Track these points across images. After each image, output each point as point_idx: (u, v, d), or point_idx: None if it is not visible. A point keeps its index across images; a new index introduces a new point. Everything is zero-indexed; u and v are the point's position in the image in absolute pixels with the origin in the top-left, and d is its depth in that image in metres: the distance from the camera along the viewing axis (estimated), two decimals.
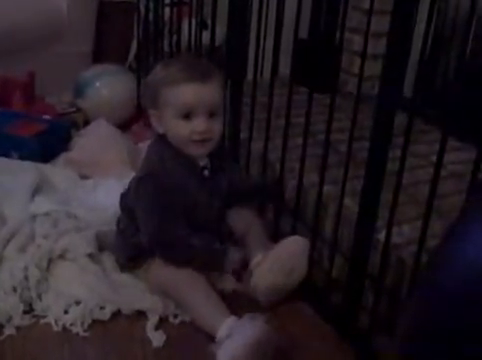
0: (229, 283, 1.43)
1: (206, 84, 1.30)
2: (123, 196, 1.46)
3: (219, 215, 1.46)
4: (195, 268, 1.34)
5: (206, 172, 1.40)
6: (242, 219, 1.52)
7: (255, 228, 1.50)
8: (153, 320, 1.33)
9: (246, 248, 1.46)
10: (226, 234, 1.47)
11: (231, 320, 1.24)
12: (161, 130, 1.35)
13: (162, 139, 1.36)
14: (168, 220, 1.33)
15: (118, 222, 1.48)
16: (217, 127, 1.34)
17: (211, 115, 1.31)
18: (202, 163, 1.39)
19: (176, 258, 1.35)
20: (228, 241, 1.45)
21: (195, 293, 1.32)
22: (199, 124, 1.30)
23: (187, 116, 1.30)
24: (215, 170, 1.42)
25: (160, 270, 1.36)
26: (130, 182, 1.42)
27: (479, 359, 0.58)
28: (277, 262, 1.37)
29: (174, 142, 1.34)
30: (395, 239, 1.25)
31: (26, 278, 1.37)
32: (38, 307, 1.34)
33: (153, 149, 1.39)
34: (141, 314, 1.35)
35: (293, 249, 1.40)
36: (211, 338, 1.25)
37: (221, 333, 1.22)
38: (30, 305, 1.34)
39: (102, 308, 1.34)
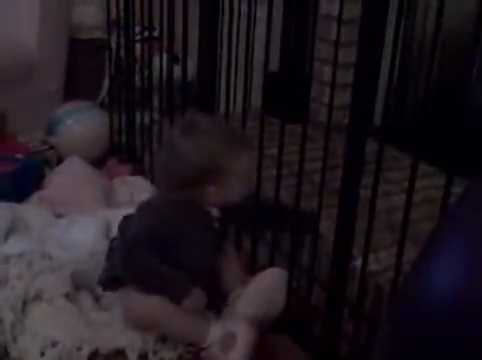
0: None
1: None
2: (126, 218, 1.45)
3: (212, 264, 1.45)
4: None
5: (216, 223, 1.41)
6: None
7: (232, 260, 1.49)
8: (132, 358, 1.31)
9: (223, 281, 1.45)
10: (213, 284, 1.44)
11: (216, 325, 1.32)
12: (218, 200, 1.34)
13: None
14: (146, 250, 1.31)
15: (112, 241, 1.47)
16: None
17: None
18: (215, 214, 1.40)
19: (137, 278, 1.34)
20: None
21: (170, 310, 1.32)
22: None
23: None
24: (224, 220, 1.43)
25: (133, 296, 1.34)
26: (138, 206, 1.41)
27: None
28: (256, 296, 1.36)
29: (223, 204, 1.36)
30: (372, 266, 1.26)
31: (0, 321, 1.34)
32: (13, 350, 1.30)
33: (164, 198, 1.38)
34: (120, 353, 1.32)
35: (271, 281, 1.39)
36: None
37: (211, 339, 1.30)
38: (5, 349, 1.31)
39: (79, 349, 1.31)
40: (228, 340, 1.28)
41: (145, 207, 1.39)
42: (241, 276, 1.45)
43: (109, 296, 1.43)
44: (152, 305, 1.32)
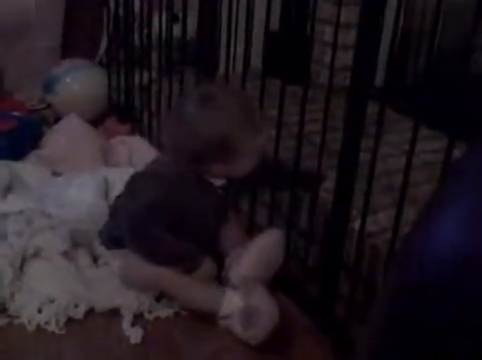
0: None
1: None
2: (133, 178, 1.42)
3: (215, 232, 1.45)
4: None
5: (220, 191, 1.42)
6: None
7: (231, 222, 1.49)
8: (128, 317, 1.32)
9: (222, 243, 1.45)
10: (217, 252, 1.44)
11: (231, 294, 1.28)
12: (222, 175, 1.38)
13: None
14: (153, 222, 1.31)
15: (117, 198, 1.47)
16: None
17: None
18: (218, 184, 1.41)
19: (145, 250, 1.34)
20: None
21: (180, 280, 1.32)
22: None
23: None
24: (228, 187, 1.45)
25: (135, 262, 1.34)
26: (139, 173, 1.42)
27: (451, 353, 0.57)
28: (258, 258, 1.36)
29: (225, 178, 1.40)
30: (370, 227, 1.26)
31: None
32: (11, 307, 1.32)
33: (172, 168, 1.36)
34: (116, 310, 1.34)
35: (270, 243, 1.39)
36: (190, 332, 1.28)
37: (228, 308, 1.26)
38: (3, 305, 1.32)
39: (76, 306, 1.32)
40: (249, 315, 1.23)
41: (154, 177, 1.37)
42: (239, 238, 1.45)
43: (106, 254, 1.44)
44: (156, 274, 1.32)
